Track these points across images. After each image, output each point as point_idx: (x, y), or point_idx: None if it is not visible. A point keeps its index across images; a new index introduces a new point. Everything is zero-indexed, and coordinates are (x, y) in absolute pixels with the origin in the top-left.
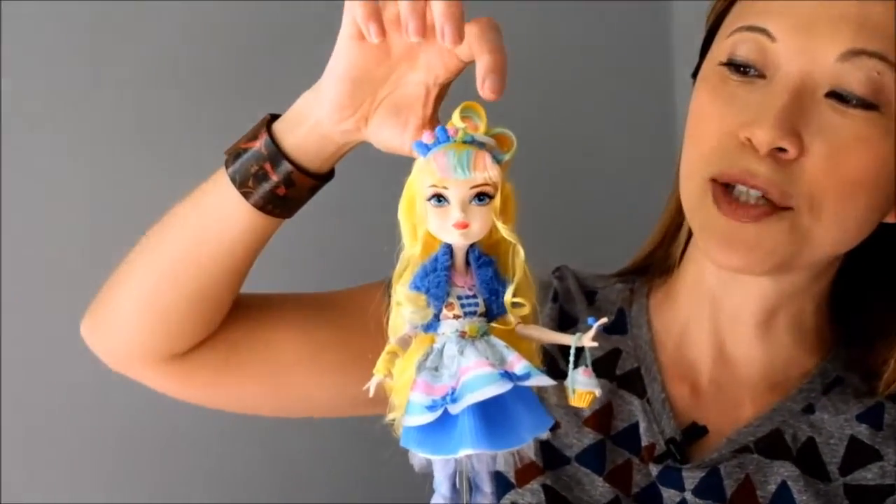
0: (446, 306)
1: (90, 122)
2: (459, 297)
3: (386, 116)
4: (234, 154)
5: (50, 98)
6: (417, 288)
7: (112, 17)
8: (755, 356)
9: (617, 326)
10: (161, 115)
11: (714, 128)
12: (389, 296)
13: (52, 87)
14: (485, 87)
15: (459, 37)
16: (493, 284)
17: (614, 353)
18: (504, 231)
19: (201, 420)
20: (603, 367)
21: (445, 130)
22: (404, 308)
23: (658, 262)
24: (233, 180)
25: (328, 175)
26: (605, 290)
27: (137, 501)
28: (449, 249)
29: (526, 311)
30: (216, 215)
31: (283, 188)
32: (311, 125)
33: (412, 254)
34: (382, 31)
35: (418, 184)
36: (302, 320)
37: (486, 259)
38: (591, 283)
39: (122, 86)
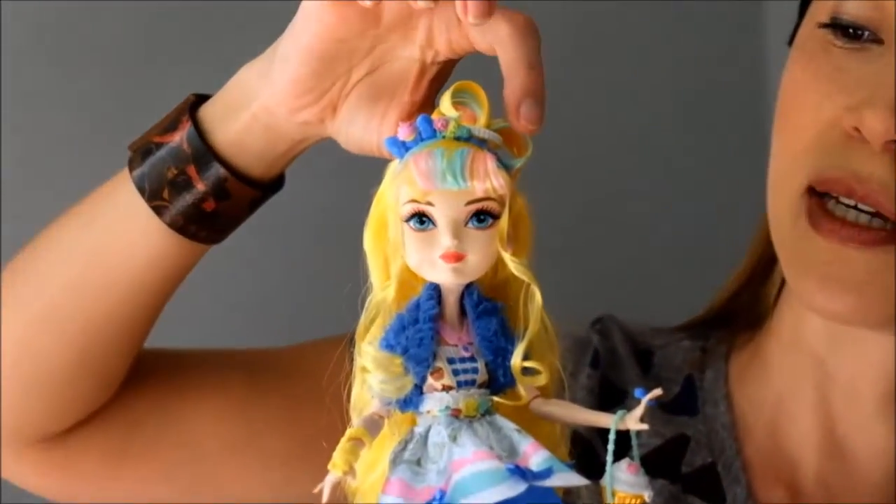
0: (432, 373)
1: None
2: (451, 361)
3: (360, 104)
4: (143, 150)
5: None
6: (391, 347)
7: None
8: (878, 445)
9: (683, 403)
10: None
11: (811, 115)
12: (352, 357)
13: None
14: (520, 115)
15: (488, 12)
16: (499, 341)
17: (679, 441)
18: (514, 266)
19: None
20: (662, 460)
21: (430, 122)
22: (372, 376)
23: (743, 311)
24: (140, 188)
25: (276, 183)
26: (665, 350)
27: None
28: (436, 292)
29: (543, 379)
30: (114, 237)
31: (213, 201)
32: (254, 113)
33: (383, 298)
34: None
35: (391, 198)
36: (232, 388)
37: (488, 305)
38: (647, 339)
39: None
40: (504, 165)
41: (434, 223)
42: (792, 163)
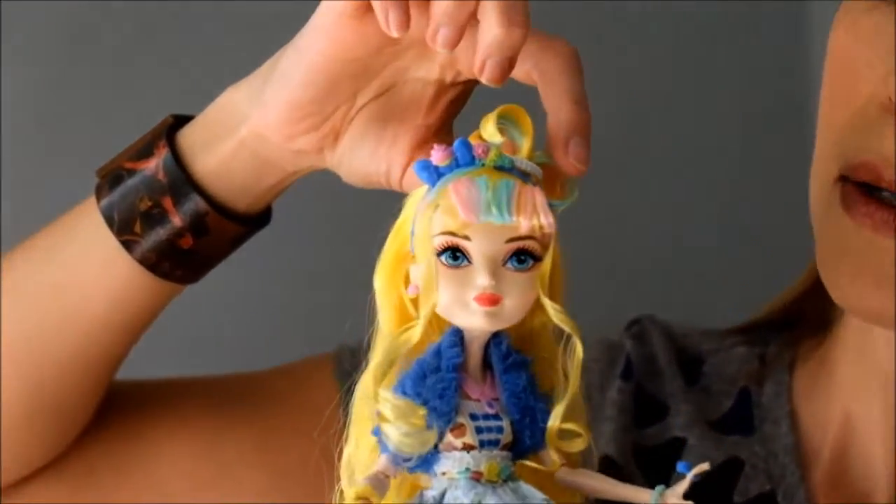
0: (452, 430)
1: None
2: (474, 417)
3: (367, 130)
4: (112, 177)
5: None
6: (409, 397)
7: None
8: None
9: (737, 420)
10: None
11: (848, 87)
12: (346, 383)
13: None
14: (569, 152)
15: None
16: (528, 399)
17: (732, 465)
18: (555, 314)
19: None
20: (711, 488)
21: (468, 146)
22: (392, 427)
23: (811, 313)
24: (108, 220)
25: (262, 218)
26: (717, 357)
27: None
28: (458, 338)
29: (582, 443)
30: (77, 273)
31: (190, 237)
32: (241, 139)
33: (405, 340)
34: (407, 21)
35: (422, 228)
36: (198, 422)
37: (517, 358)
38: (695, 343)
39: None
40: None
41: (469, 259)
42: (826, 145)
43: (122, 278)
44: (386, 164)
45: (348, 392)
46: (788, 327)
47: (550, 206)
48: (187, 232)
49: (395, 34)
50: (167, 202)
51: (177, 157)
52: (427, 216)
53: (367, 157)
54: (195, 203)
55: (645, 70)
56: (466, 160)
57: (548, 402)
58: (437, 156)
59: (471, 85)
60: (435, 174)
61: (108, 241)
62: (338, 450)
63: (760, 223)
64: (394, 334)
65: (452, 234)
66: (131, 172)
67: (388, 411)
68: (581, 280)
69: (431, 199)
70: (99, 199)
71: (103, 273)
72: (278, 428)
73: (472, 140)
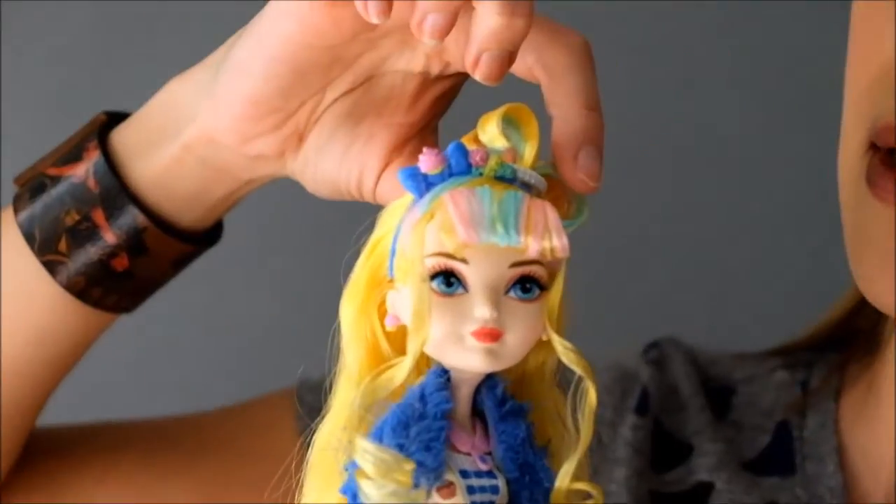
0: (439, 489)
1: None
2: (465, 474)
3: (336, 128)
4: (33, 186)
5: None
6: (399, 446)
7: None
8: None
9: (774, 459)
10: None
11: (875, 47)
12: (306, 429)
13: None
14: (578, 165)
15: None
16: (527, 454)
17: None
18: (565, 352)
19: None
20: None
21: (464, 152)
22: (374, 484)
23: (861, 333)
24: (28, 238)
25: (210, 235)
26: (751, 386)
27: None
28: (445, 380)
29: None
30: None
31: (126, 257)
32: (186, 143)
33: (387, 379)
34: (389, 6)
35: (414, 248)
36: (129, 471)
37: (514, 405)
38: (724, 370)
39: None
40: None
41: (465, 287)
42: (854, 114)
43: (45, 308)
44: (358, 168)
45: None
46: (835, 348)
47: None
48: (122, 251)
49: (374, 21)
50: (98, 215)
51: (110, 163)
52: (419, 233)
53: (336, 162)
54: (132, 216)
55: (662, 72)
56: (462, 168)
57: (547, 457)
58: (427, 162)
59: (461, 79)
60: (423, 184)
61: (27, 264)
62: (296, 485)
63: (800, 230)
64: (370, 374)
65: (449, 256)
66: (55, 180)
67: (368, 465)
68: (590, 296)
69: (422, 213)
70: (17, 211)
71: (23, 302)
72: (224, 477)
73: (468, 144)
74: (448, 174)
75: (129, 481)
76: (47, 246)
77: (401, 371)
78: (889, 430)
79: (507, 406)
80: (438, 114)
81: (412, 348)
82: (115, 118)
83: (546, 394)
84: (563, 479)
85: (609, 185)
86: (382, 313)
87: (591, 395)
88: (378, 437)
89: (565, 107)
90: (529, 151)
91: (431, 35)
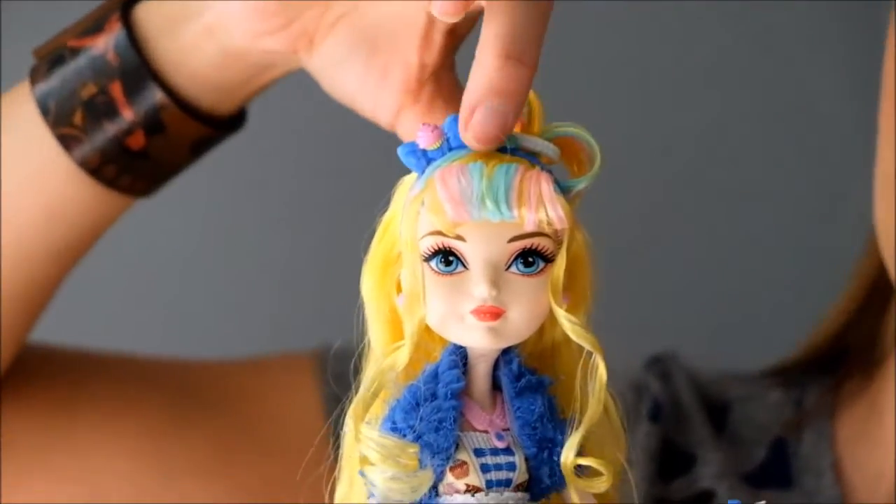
0: (452, 468)
1: None
2: (479, 452)
3: (353, 47)
4: (52, 58)
5: None
6: (399, 431)
7: None
8: None
9: (772, 472)
10: None
11: None
12: (326, 390)
13: None
14: (470, 124)
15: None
16: (545, 430)
17: None
18: (571, 328)
19: None
20: None
21: None
22: (376, 470)
23: (855, 351)
24: (44, 109)
25: (233, 121)
26: (747, 404)
27: None
28: (460, 359)
29: (604, 483)
30: (7, 178)
31: (143, 135)
32: (206, 26)
33: (390, 365)
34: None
35: (407, 229)
36: (149, 415)
37: (532, 380)
38: (721, 388)
39: None
40: (563, 189)
41: (465, 265)
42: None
43: (58, 184)
44: (372, 100)
45: (339, 418)
46: (830, 366)
47: (567, 187)
48: (139, 128)
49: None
50: (116, 89)
51: (132, 37)
52: (412, 214)
53: (352, 81)
54: (151, 92)
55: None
56: (460, 141)
57: (568, 431)
58: (424, 138)
59: (478, 10)
60: (423, 160)
61: (42, 138)
62: (328, 487)
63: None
64: (377, 357)
65: (442, 234)
66: (75, 51)
67: (371, 452)
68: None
69: (417, 193)
70: (33, 84)
71: (36, 177)
72: (240, 433)
73: None
74: (447, 148)
75: (146, 422)
76: (62, 119)
77: (403, 354)
78: (889, 447)
79: (524, 381)
80: (452, 51)
81: (408, 329)
82: None
83: (571, 366)
84: (568, 452)
85: (609, 190)
86: (400, 291)
87: (601, 370)
88: (391, 419)
89: (481, 52)
90: (534, 117)
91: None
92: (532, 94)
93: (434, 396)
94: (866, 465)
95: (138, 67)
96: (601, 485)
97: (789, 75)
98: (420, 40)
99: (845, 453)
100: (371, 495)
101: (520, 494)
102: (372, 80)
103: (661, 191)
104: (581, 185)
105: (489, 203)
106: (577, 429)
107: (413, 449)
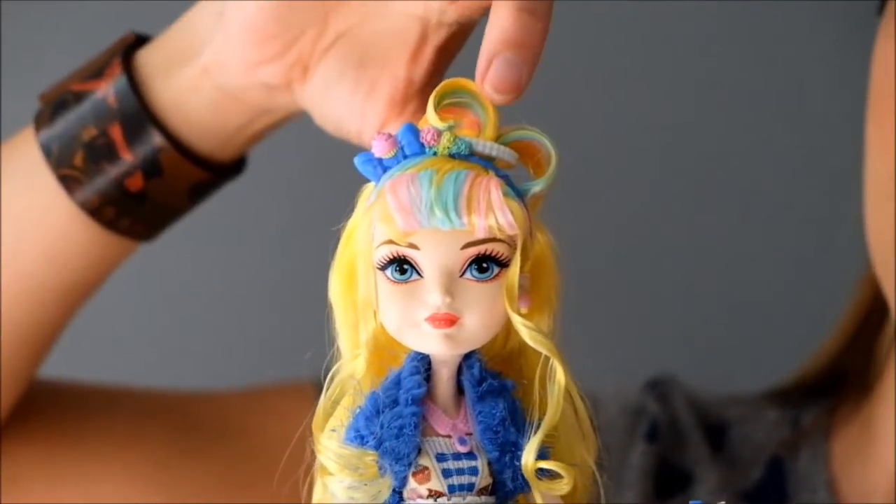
0: (415, 474)
1: None
2: (441, 457)
3: (342, 68)
4: (56, 102)
5: None
6: (361, 438)
7: None
8: None
9: (769, 490)
10: None
11: None
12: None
13: None
14: (488, 76)
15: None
16: (507, 433)
17: None
18: (526, 333)
19: None
20: None
21: (414, 132)
22: (335, 480)
23: (851, 374)
24: (47, 152)
25: (233, 167)
26: (745, 424)
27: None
28: (423, 364)
29: (564, 486)
30: (11, 219)
31: (141, 177)
32: (204, 66)
33: (350, 373)
34: None
35: (362, 239)
36: (151, 444)
37: (494, 384)
38: (719, 410)
39: None
40: (517, 192)
41: (419, 273)
42: (887, 165)
43: (59, 226)
44: (359, 118)
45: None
46: (827, 388)
47: (523, 190)
48: (137, 170)
49: None
50: (115, 131)
51: (132, 81)
52: (365, 224)
53: (342, 103)
54: (149, 135)
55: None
56: (414, 149)
57: (529, 434)
58: (378, 147)
59: (463, 32)
60: (379, 168)
61: (45, 181)
62: (306, 487)
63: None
64: (343, 362)
65: (394, 243)
66: (78, 96)
67: (329, 462)
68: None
69: (371, 203)
70: (38, 128)
71: (38, 219)
72: (244, 462)
73: (420, 125)
74: (402, 156)
75: (152, 453)
76: (63, 160)
77: (359, 362)
78: (882, 464)
79: (485, 385)
80: (440, 69)
81: (362, 338)
82: (143, 40)
83: (534, 370)
84: (528, 455)
85: (607, 197)
86: None
87: (559, 374)
88: (355, 427)
89: (496, 8)
90: (488, 121)
91: None
92: (486, 100)
93: (395, 403)
94: (860, 483)
95: (138, 111)
96: (563, 487)
97: (797, 84)
98: (410, 56)
99: (840, 471)
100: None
101: (483, 499)
102: (359, 96)
103: (661, 217)
104: (537, 187)
105: (438, 211)
106: (535, 432)
107: (371, 457)
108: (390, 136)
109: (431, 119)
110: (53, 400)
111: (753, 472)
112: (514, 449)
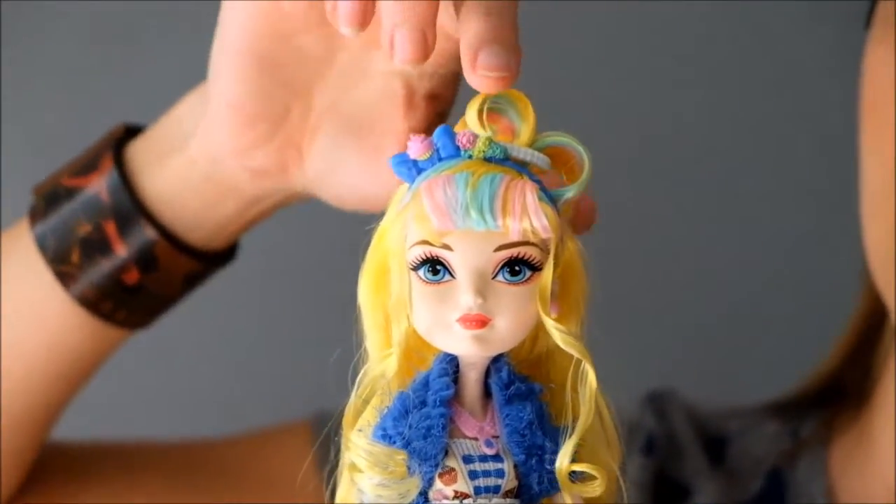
0: (441, 475)
1: None
2: (467, 459)
3: (340, 142)
4: (49, 196)
5: None
6: (389, 438)
7: None
8: None
9: (769, 500)
10: None
11: None
12: (328, 451)
13: None
14: (478, 65)
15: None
16: (535, 437)
17: None
18: (560, 337)
19: None
20: None
21: (451, 135)
22: (365, 477)
23: (850, 385)
24: (42, 247)
25: (224, 255)
26: (745, 437)
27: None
28: (451, 366)
29: (598, 488)
30: (9, 313)
31: (136, 271)
32: (191, 157)
33: (381, 373)
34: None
35: (395, 239)
36: (152, 494)
37: (521, 387)
38: (719, 423)
39: None
40: (551, 198)
41: (452, 274)
42: (890, 173)
43: (56, 320)
44: (374, 181)
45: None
46: (825, 402)
47: (556, 196)
48: (132, 264)
49: (346, 30)
50: (110, 228)
51: (123, 175)
52: (399, 224)
53: (351, 173)
54: (142, 230)
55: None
56: (450, 152)
57: (560, 438)
58: (415, 148)
59: (450, 73)
60: (414, 170)
61: (40, 274)
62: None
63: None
64: (369, 365)
65: (428, 244)
66: (70, 191)
67: (359, 460)
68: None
69: (405, 203)
70: (33, 222)
71: (35, 314)
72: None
73: (457, 129)
74: (437, 159)
75: (154, 497)
76: (60, 257)
77: (391, 362)
78: (880, 473)
79: (513, 388)
80: (441, 112)
81: (395, 338)
82: (134, 131)
83: (562, 374)
84: (563, 458)
85: (603, 208)
86: None
87: (590, 377)
88: (382, 427)
89: (463, 17)
90: (525, 129)
91: (345, 23)
92: (527, 104)
93: (423, 404)
94: (858, 492)
95: (129, 205)
96: (596, 489)
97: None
98: (404, 109)
99: (838, 480)
100: (364, 501)
101: (509, 501)
102: (369, 164)
103: (658, 230)
104: (570, 193)
105: (473, 213)
106: (570, 436)
107: (401, 456)
108: (426, 138)
109: (473, 125)
110: (55, 456)
111: (753, 484)
112: (541, 452)
